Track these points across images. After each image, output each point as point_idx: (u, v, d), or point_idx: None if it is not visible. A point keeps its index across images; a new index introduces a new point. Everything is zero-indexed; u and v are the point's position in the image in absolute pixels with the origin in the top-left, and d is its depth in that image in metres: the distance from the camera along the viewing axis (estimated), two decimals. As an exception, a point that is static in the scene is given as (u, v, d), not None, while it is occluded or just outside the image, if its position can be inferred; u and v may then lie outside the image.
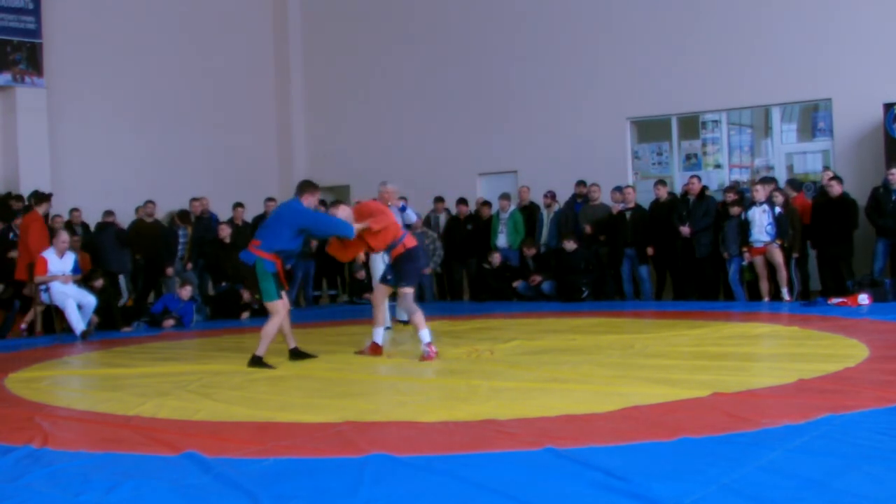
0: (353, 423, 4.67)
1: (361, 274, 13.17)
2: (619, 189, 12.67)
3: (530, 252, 12.98)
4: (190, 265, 12.73)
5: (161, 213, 13.45)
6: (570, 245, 12.37)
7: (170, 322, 11.22)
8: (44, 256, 10.51)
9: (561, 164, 14.13)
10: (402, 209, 10.58)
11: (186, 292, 11.51)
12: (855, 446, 3.80)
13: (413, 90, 16.18)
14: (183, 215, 12.83)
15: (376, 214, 7.60)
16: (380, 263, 10.27)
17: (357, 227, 7.42)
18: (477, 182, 15.53)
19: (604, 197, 12.85)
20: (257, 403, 5.47)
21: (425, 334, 7.29)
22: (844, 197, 10.96)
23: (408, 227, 10.59)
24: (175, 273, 12.66)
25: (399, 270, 7.61)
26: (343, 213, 7.63)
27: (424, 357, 7.15)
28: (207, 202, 13.59)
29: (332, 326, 10.53)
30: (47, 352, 9.10)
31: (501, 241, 13.38)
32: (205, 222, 13.17)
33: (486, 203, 13.92)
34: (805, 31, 12.76)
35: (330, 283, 15.33)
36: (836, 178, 11.11)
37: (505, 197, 13.61)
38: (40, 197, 11.80)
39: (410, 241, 7.72)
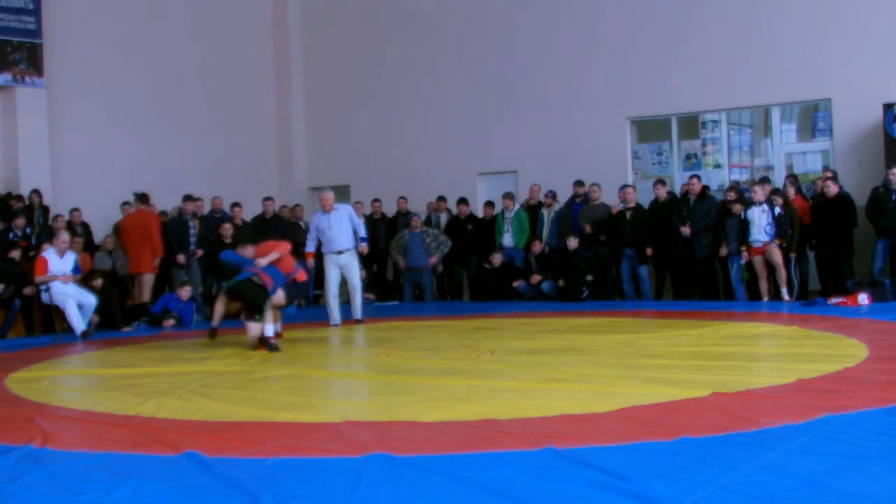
0: (353, 423, 4.67)
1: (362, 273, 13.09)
2: (623, 188, 12.69)
3: (537, 249, 12.96)
4: (200, 252, 12.75)
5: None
6: (572, 243, 12.35)
7: (170, 322, 11.22)
8: (44, 256, 10.52)
9: (561, 164, 14.13)
10: (354, 225, 10.70)
11: (186, 292, 11.52)
12: (855, 446, 3.80)
13: (413, 90, 16.18)
14: (188, 198, 12.99)
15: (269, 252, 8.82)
16: (330, 268, 10.38)
17: (264, 260, 8.64)
18: (477, 182, 15.53)
19: (605, 197, 12.84)
20: (257, 403, 5.47)
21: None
22: (842, 196, 10.96)
23: (363, 239, 10.63)
24: (185, 263, 12.71)
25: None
26: (249, 251, 8.86)
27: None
28: (221, 201, 13.63)
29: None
30: (47, 352, 9.10)
31: (507, 240, 13.37)
32: (216, 221, 13.21)
33: (489, 203, 13.92)
34: (805, 31, 12.76)
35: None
36: (832, 178, 11.12)
37: (509, 196, 13.60)
38: (143, 196, 12.64)
39: (301, 277, 9.07)
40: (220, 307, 9.00)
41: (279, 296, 8.56)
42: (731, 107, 13.48)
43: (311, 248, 10.76)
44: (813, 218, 11.15)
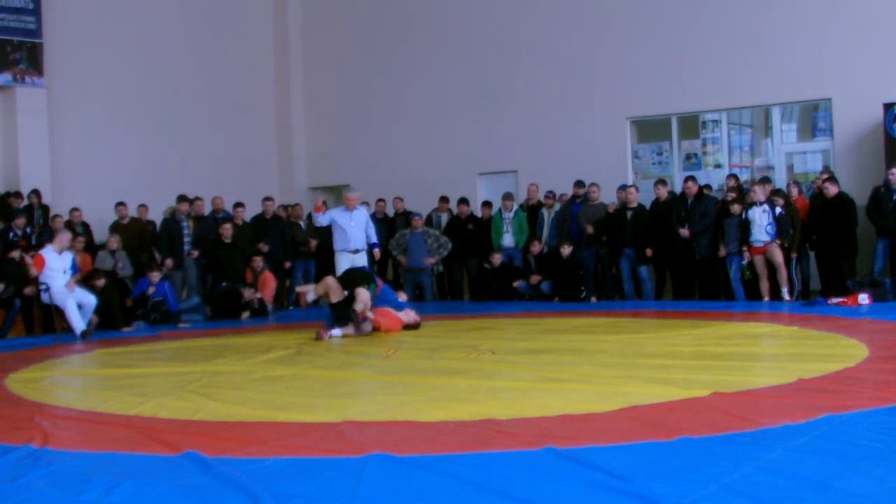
0: (353, 423, 4.67)
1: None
2: (623, 188, 12.69)
3: (536, 249, 12.95)
4: (195, 253, 12.75)
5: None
6: (565, 250, 12.31)
7: (185, 325, 11.33)
8: (41, 254, 10.53)
9: (561, 164, 14.13)
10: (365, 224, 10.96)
11: (156, 276, 11.51)
12: (855, 446, 3.80)
13: (413, 90, 16.18)
14: (182, 198, 13.05)
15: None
16: (345, 266, 10.49)
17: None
18: (477, 182, 15.53)
19: (606, 196, 12.84)
20: (257, 403, 5.47)
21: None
22: (842, 196, 10.95)
23: (375, 245, 10.92)
24: (177, 265, 12.72)
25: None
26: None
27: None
28: (221, 201, 13.64)
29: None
30: (47, 352, 9.10)
31: (508, 240, 13.36)
32: (214, 221, 13.20)
33: (487, 203, 13.92)
34: (805, 31, 12.76)
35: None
36: (830, 178, 11.11)
37: (509, 197, 13.59)
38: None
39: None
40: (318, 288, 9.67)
41: (365, 299, 9.19)
42: (731, 107, 13.48)
43: (323, 220, 10.98)
44: (813, 218, 11.14)
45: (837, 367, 5.86)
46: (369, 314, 9.31)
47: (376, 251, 11.25)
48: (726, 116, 13.58)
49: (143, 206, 13.63)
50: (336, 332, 9.03)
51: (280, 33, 17.52)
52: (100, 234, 13.50)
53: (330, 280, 9.66)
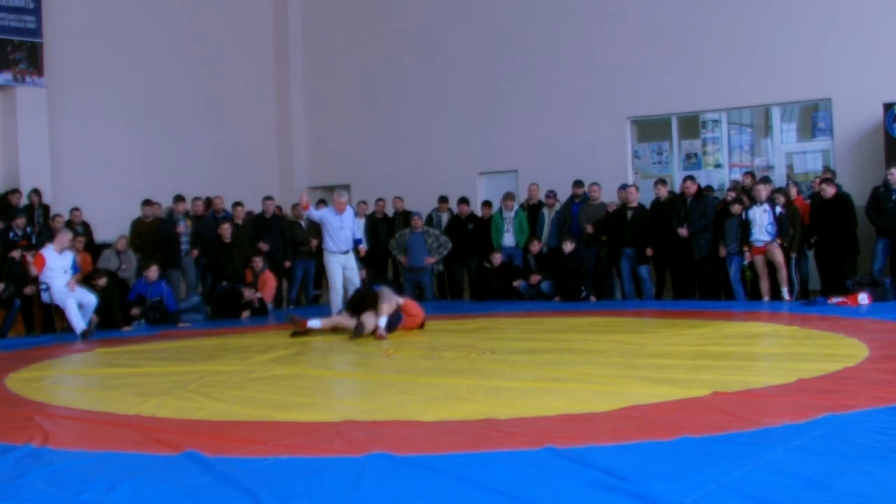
0: (353, 423, 4.67)
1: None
2: (624, 188, 12.69)
3: (535, 249, 12.95)
4: (195, 252, 12.75)
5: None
6: (567, 246, 12.33)
7: (186, 324, 11.31)
8: (42, 254, 10.54)
9: (561, 163, 14.13)
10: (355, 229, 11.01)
11: (153, 273, 11.48)
12: (855, 446, 3.80)
13: (413, 89, 16.18)
14: (179, 198, 13.05)
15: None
16: (336, 266, 10.50)
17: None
18: (477, 181, 15.53)
19: (605, 196, 12.83)
20: (257, 403, 5.47)
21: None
22: (841, 196, 10.95)
23: (359, 241, 10.93)
24: (176, 265, 12.72)
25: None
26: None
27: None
28: (221, 201, 13.62)
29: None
30: (47, 351, 9.10)
31: (508, 240, 13.36)
32: (213, 220, 13.18)
33: (487, 203, 13.92)
34: (805, 31, 12.76)
35: (330, 282, 15.30)
36: (827, 179, 11.10)
37: (510, 196, 13.59)
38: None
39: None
40: (337, 320, 9.46)
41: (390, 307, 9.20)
42: (731, 106, 13.48)
43: (316, 215, 10.96)
44: (813, 218, 11.14)
45: (837, 367, 5.86)
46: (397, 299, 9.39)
47: (361, 247, 11.25)
48: (726, 116, 13.58)
49: (156, 205, 13.58)
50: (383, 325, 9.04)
51: (280, 33, 17.52)
52: (100, 233, 13.49)
53: (336, 318, 9.54)
